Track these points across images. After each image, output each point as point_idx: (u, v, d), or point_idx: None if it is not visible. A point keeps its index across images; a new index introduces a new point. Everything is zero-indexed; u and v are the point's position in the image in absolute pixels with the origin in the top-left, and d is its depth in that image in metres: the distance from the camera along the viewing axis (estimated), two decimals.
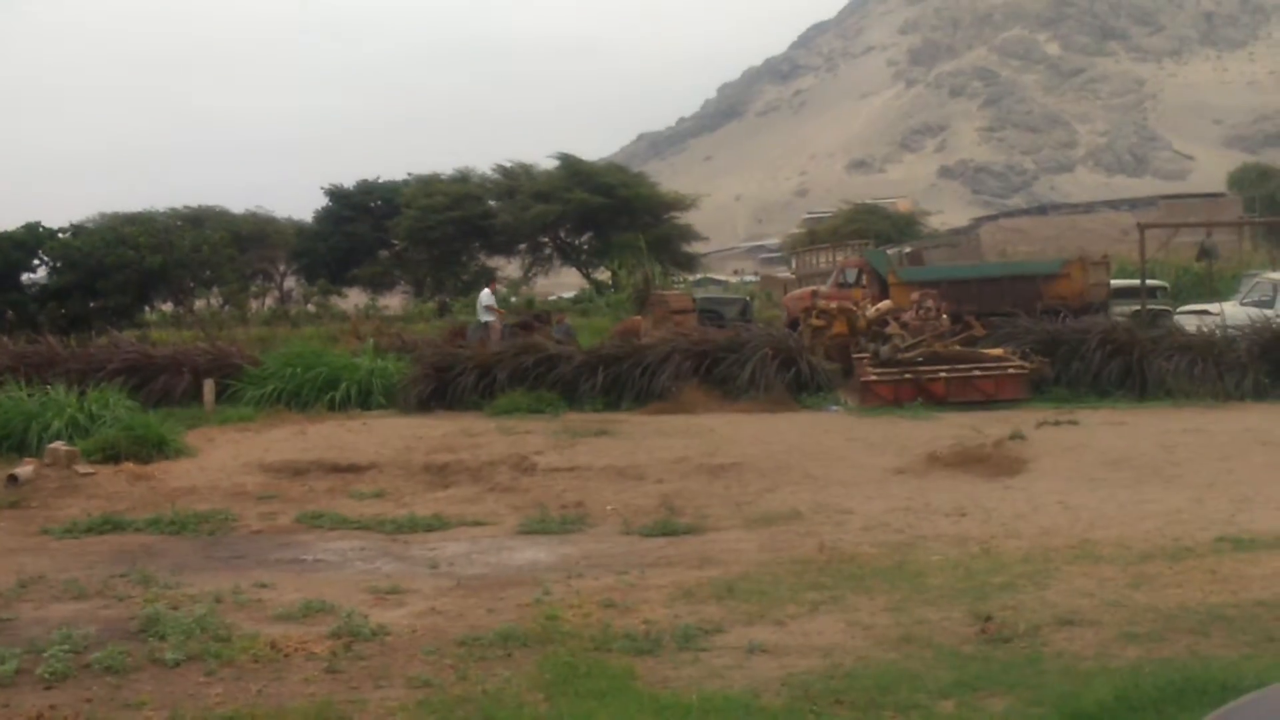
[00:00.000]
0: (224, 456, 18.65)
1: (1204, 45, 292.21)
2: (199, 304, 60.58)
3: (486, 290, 35.31)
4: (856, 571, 10.55)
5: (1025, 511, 13.14)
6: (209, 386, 25.69)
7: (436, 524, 13.68)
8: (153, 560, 11.99)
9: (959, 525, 12.58)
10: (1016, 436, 17.99)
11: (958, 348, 24.60)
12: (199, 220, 70.58)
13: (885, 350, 24.51)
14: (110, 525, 13.91)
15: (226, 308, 63.68)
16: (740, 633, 8.76)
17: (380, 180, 79.52)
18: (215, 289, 62.95)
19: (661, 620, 9.11)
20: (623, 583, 10.49)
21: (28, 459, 18.15)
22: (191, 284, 53.88)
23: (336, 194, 78.34)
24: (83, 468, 17.42)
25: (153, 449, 18.65)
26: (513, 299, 64.68)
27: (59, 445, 18.33)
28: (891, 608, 9.32)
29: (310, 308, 69.06)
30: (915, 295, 26.86)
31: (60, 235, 47.69)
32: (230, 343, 31.36)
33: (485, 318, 32.89)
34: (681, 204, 74.70)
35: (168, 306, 58.17)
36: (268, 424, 22.20)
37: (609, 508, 14.34)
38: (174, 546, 12.88)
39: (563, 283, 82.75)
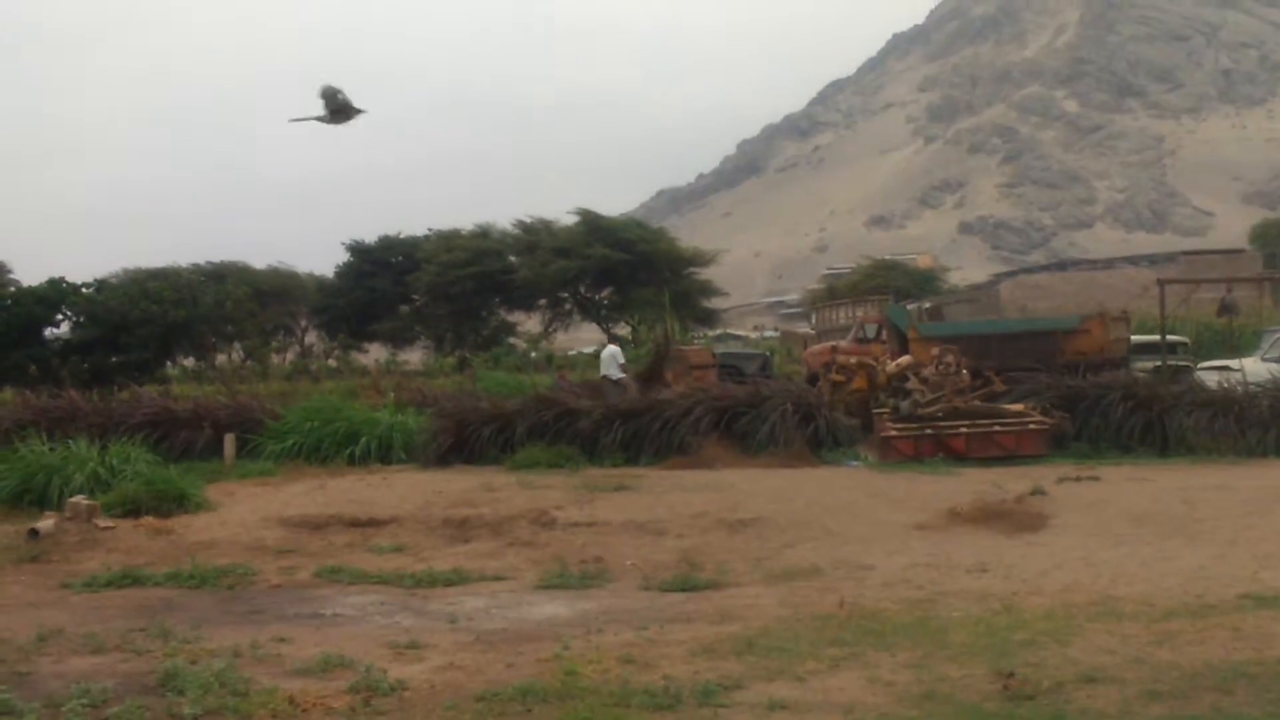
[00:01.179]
0: (244, 511, 18.65)
1: (1223, 102, 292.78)
2: (221, 358, 60.91)
3: (615, 348, 34.99)
4: (877, 628, 10.49)
5: (1047, 568, 13.07)
6: (229, 441, 25.74)
7: (456, 579, 13.64)
8: (172, 614, 11.97)
9: (980, 581, 12.51)
10: (1038, 492, 17.91)
11: (978, 403, 24.53)
12: (221, 275, 70.97)
13: (905, 405, 24.47)
14: (130, 579, 13.90)
15: (248, 362, 63.98)
16: (760, 689, 8.70)
17: (401, 235, 80.00)
18: (237, 343, 63.34)
19: (681, 676, 9.06)
20: (642, 638, 10.44)
21: (48, 513, 18.16)
22: (213, 339, 54.18)
23: (358, 249, 78.74)
24: (103, 522, 17.43)
25: (173, 503, 18.66)
26: (532, 354, 64.87)
27: (79, 499, 18.34)
28: (912, 664, 9.26)
29: (331, 362, 69.35)
30: (935, 351, 26.79)
31: (84, 290, 48.02)
32: (251, 397, 31.40)
33: (616, 374, 32.63)
34: (701, 259, 74.92)
35: (190, 361, 58.43)
36: (288, 478, 22.22)
37: (628, 563, 14.29)
38: (193, 601, 12.86)
39: (582, 338, 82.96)
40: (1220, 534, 14.65)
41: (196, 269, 75.18)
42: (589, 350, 70.48)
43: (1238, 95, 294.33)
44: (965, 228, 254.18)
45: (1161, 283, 32.40)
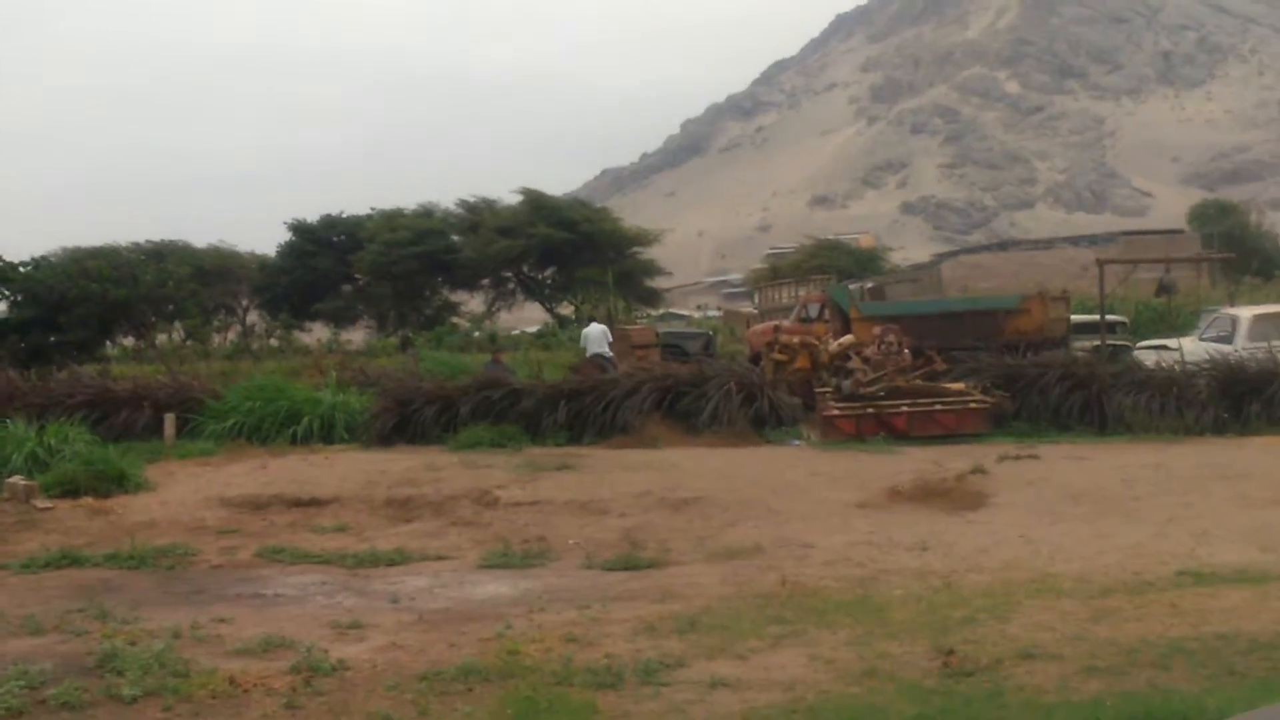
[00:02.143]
0: (184, 491, 18.52)
1: (1162, 84, 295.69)
2: (161, 338, 60.21)
3: (602, 326, 34.76)
4: (818, 606, 10.53)
5: (987, 546, 13.16)
6: (170, 421, 25.54)
7: (398, 558, 13.60)
8: (111, 595, 11.87)
9: (921, 559, 12.58)
10: (978, 471, 18.03)
11: (919, 382, 24.66)
12: (162, 254, 70.20)
13: (847, 385, 24.56)
14: (68, 560, 13.75)
15: (189, 342, 63.38)
16: (702, 667, 8.72)
17: (343, 215, 79.51)
18: (178, 323, 62.57)
19: (623, 654, 9.07)
20: (585, 617, 10.44)
21: None
22: (154, 318, 53.53)
23: (300, 228, 78.19)
24: (41, 502, 17.26)
25: (112, 484, 18.51)
26: (475, 334, 64.70)
27: (17, 480, 18.16)
28: (853, 642, 9.30)
29: (273, 342, 68.86)
30: (877, 330, 26.89)
31: (21, 269, 47.34)
32: (192, 377, 31.15)
33: (608, 351, 32.45)
34: (645, 239, 74.97)
35: (130, 341, 57.79)
36: (229, 458, 22.08)
37: (571, 542, 14.29)
38: (133, 581, 12.75)
39: (526, 317, 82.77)
40: (1158, 512, 14.80)
41: (136, 248, 74.35)
42: (532, 330, 70.40)
43: (1177, 77, 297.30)
44: (907, 208, 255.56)
45: (1101, 263, 32.63)
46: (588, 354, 32.63)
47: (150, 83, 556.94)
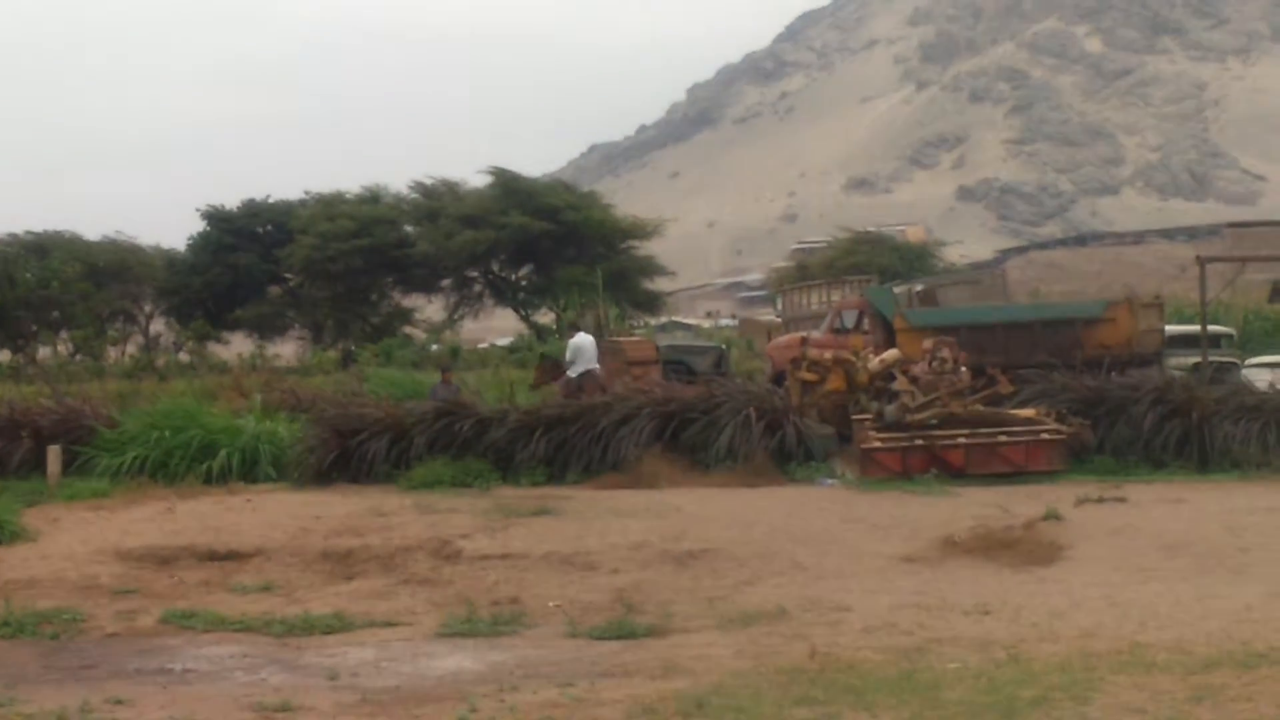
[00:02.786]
0: (72, 541, 18.50)
1: (1277, 41, 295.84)
2: (44, 352, 60.28)
3: (589, 337, 34.70)
4: (855, 683, 10.53)
5: (1062, 609, 13.16)
6: (54, 454, 25.51)
7: (337, 625, 13.60)
8: None
9: (981, 625, 12.59)
10: (1051, 516, 18.02)
11: (980, 408, 24.66)
12: (45, 249, 70.37)
13: (891, 411, 24.55)
14: None
15: (78, 357, 63.36)
16: None
17: (270, 200, 79.55)
18: (64, 333, 62.68)
19: None
20: (568, 697, 10.43)
21: None
22: (35, 327, 53.60)
23: (216, 217, 78.30)
24: None
25: None
26: (433, 347, 64.75)
27: None
28: None
29: (183, 357, 68.84)
30: (928, 344, 26.90)
31: None
32: (82, 400, 31.15)
33: (593, 366, 32.37)
34: (642, 231, 75.09)
35: (5, 355, 57.85)
36: (127, 500, 22.04)
37: (551, 604, 14.30)
38: (8, 654, 12.74)
39: (496, 326, 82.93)
40: (1271, 567, 14.80)
41: (14, 240, 74.47)
42: (503, 343, 70.44)
43: None
44: (965, 193, 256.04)
45: (1202, 260, 32.70)
46: (572, 371, 32.50)
47: (21, 36, 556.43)
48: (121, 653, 12.74)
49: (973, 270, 77.32)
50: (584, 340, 34.05)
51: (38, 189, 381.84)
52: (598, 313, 50.88)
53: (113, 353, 71.15)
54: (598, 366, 32.54)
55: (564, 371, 32.55)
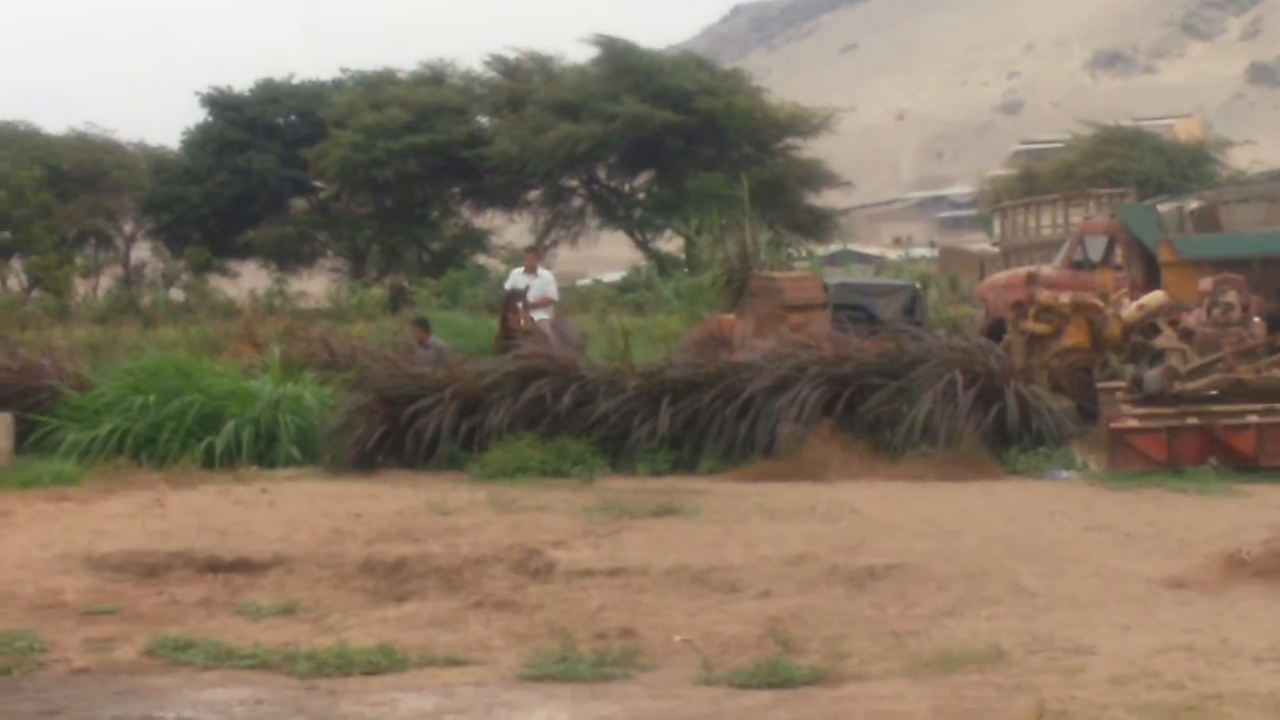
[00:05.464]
0: (28, 543, 18.72)
1: None
2: None
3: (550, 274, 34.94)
4: None
5: None
6: (3, 426, 25.81)
7: (384, 662, 13.67)
8: None
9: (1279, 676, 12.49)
10: None
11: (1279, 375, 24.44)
12: None
13: (1154, 377, 24.36)
14: None
15: (35, 293, 64.14)
16: None
17: (295, 81, 79.82)
18: (17, 260, 63.43)
19: None
20: None
21: None
22: None
23: (220, 103, 78.56)
24: None
25: None
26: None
27: None
28: None
29: (175, 294, 69.38)
30: (1206, 284, 26.66)
31: None
32: (42, 352, 31.46)
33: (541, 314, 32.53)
34: (806, 125, 74.72)
35: None
36: (102, 489, 22.27)
37: (677, 638, 14.31)
38: None
39: (603, 256, 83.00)
40: None
41: None
42: (613, 277, 70.45)
43: None
44: (1260, 73, 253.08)
45: None
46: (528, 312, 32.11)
47: None
48: (94, 695, 12.87)
49: (1271, 181, 76.35)
50: (546, 277, 34.22)
51: None
52: (742, 238, 50.73)
53: (82, 287, 71.75)
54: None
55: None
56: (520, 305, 31.02)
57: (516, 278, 33.82)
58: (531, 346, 28.14)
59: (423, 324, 34.63)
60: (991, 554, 17.19)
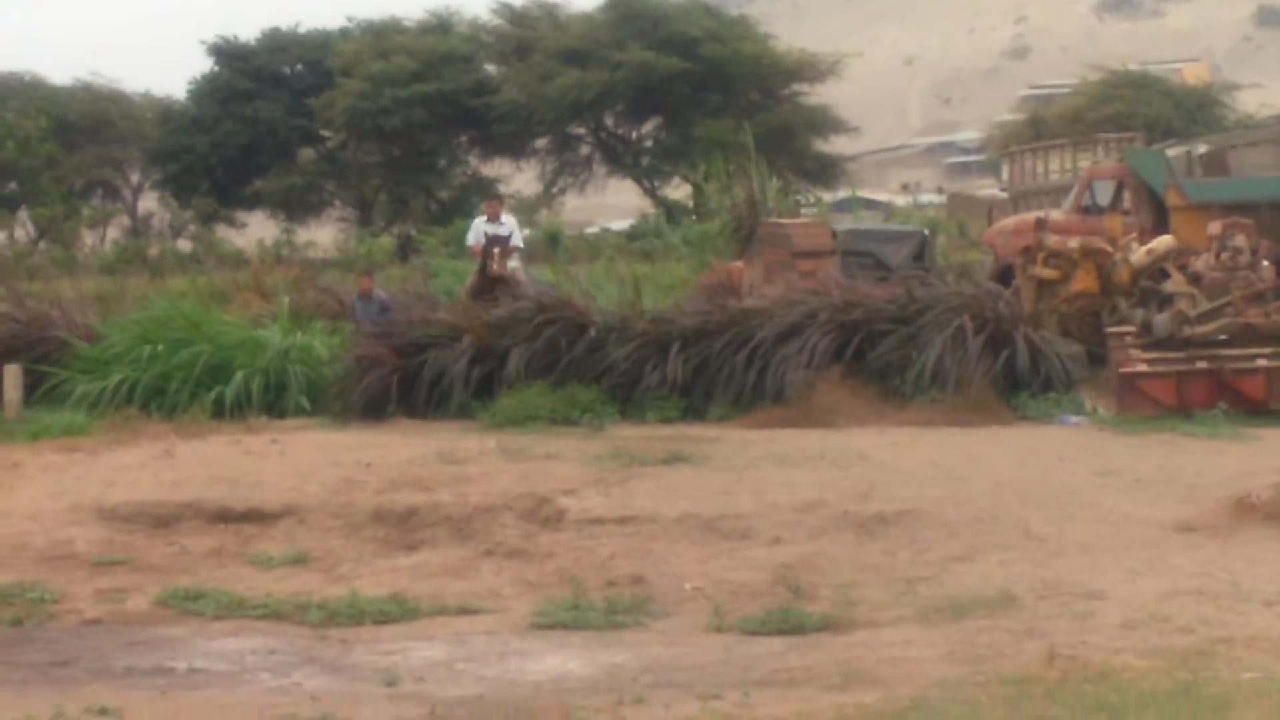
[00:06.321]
0: (38, 494, 18.74)
1: None
2: None
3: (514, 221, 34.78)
4: (1111, 699, 10.46)
5: None
6: (13, 377, 25.80)
7: (396, 611, 13.69)
8: None
9: None
10: None
11: None
12: None
13: (1163, 321, 24.35)
14: None
15: (43, 243, 64.08)
16: None
17: (301, 30, 79.59)
18: (24, 212, 63.32)
19: None
20: (712, 714, 10.46)
21: None
22: None
23: (227, 52, 78.46)
24: None
25: None
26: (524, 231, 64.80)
27: None
28: None
29: (183, 244, 69.35)
30: (1215, 227, 26.60)
31: None
32: (50, 303, 31.45)
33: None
34: (813, 71, 74.57)
35: None
36: (112, 440, 22.30)
37: (688, 586, 14.33)
38: None
39: (611, 204, 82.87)
40: None
41: None
42: (620, 225, 70.33)
43: None
44: (1269, 16, 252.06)
45: None
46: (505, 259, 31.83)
47: None
48: (106, 645, 12.89)
49: (1279, 125, 76.17)
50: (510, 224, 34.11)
51: None
52: (750, 185, 50.56)
53: (89, 238, 71.69)
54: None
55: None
56: (497, 252, 30.93)
57: (479, 226, 33.68)
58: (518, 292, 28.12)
59: (369, 274, 34.06)
60: (1001, 499, 17.21)
